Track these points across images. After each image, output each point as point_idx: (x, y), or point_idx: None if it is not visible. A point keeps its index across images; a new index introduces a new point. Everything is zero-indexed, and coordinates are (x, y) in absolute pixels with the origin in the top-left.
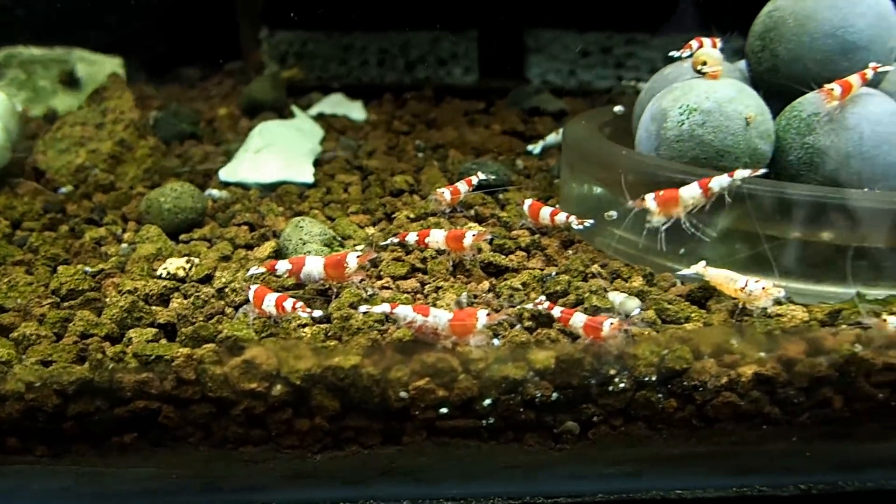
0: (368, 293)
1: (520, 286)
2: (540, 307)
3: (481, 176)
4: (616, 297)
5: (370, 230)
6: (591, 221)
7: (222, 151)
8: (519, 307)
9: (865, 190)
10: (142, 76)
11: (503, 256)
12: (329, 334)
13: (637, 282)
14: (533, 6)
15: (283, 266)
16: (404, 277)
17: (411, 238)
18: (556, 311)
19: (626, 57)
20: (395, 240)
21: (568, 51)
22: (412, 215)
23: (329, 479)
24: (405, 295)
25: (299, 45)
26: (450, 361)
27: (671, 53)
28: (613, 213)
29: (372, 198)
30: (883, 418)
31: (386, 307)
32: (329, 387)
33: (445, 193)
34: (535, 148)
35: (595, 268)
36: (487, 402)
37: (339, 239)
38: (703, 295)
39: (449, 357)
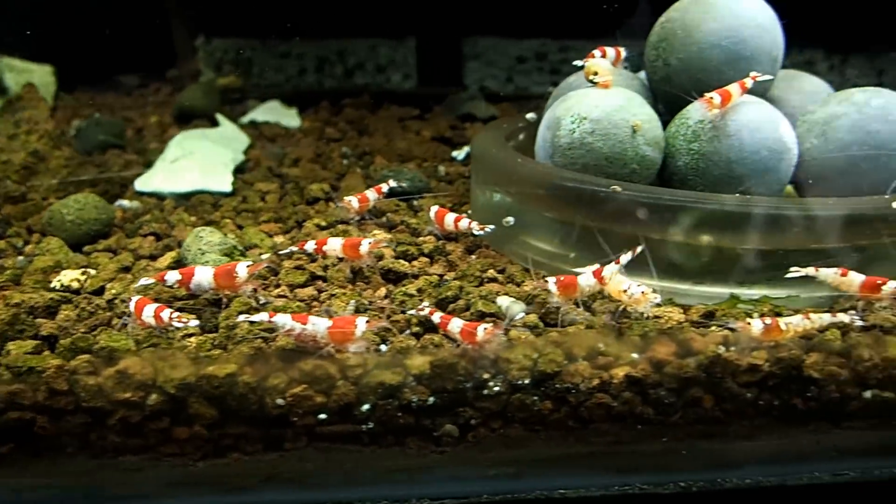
0: (261, 302)
1: (415, 292)
2: (421, 313)
3: (392, 184)
4: (503, 302)
5: (279, 239)
6: (492, 227)
7: (144, 161)
8: (408, 314)
9: (738, 194)
10: (77, 84)
11: (406, 263)
12: (215, 343)
13: (530, 286)
14: (470, 14)
15: (172, 277)
16: (303, 285)
17: (309, 246)
18: (436, 317)
19: (561, 63)
20: (294, 248)
21: (505, 57)
22: (323, 223)
23: (212, 485)
24: (300, 303)
25: (235, 53)
26: (327, 368)
27: (575, 62)
28: (510, 220)
29: (287, 206)
30: (752, 417)
31: (265, 316)
32: (205, 395)
33: (353, 201)
34: (460, 154)
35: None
36: (366, 407)
37: (241, 249)
38: (591, 298)
39: (327, 364)
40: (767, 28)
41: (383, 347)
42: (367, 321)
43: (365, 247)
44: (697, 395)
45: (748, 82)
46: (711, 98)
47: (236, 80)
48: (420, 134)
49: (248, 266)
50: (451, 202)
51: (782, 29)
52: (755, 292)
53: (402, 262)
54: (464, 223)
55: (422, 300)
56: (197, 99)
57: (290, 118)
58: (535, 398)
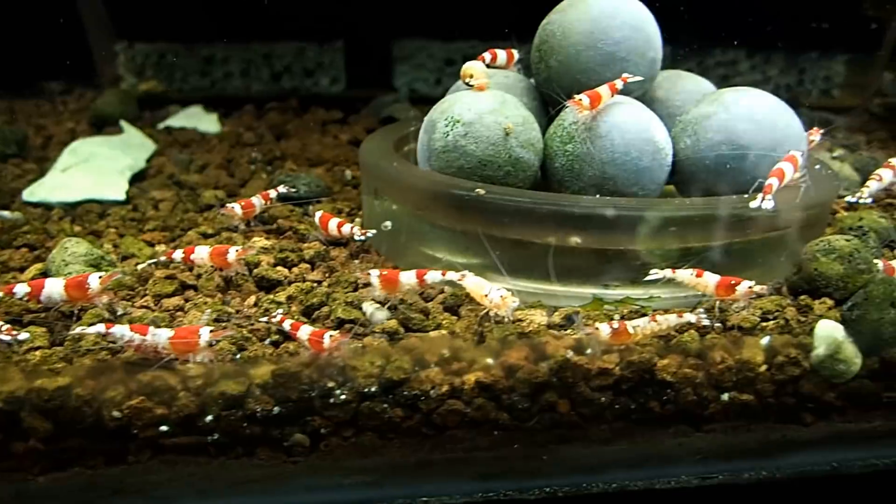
0: (118, 313)
1: (283, 300)
2: (273, 321)
3: (282, 189)
4: (367, 308)
5: (161, 248)
6: (373, 232)
7: (41, 170)
8: (260, 322)
9: (596, 196)
10: None
11: (286, 270)
12: (62, 357)
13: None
14: (398, 16)
15: (21, 289)
16: (170, 295)
17: (177, 255)
18: (286, 325)
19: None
20: (163, 258)
21: (433, 59)
22: (210, 231)
23: (55, 500)
24: (164, 313)
25: (157, 58)
26: (167, 379)
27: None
28: (388, 224)
29: (178, 214)
30: (610, 421)
31: (101, 327)
32: (37, 409)
33: (235, 208)
34: None
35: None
36: (209, 418)
37: (110, 260)
38: (456, 302)
39: (167, 375)
40: (642, 29)
41: (238, 356)
42: (212, 331)
43: (232, 255)
44: (552, 399)
45: (618, 84)
46: (580, 100)
47: (158, 86)
48: (337, 138)
49: (100, 277)
50: (350, 207)
51: (663, 28)
52: (620, 293)
53: (281, 269)
54: (346, 228)
55: (289, 307)
56: (113, 105)
57: (209, 123)
58: (385, 406)
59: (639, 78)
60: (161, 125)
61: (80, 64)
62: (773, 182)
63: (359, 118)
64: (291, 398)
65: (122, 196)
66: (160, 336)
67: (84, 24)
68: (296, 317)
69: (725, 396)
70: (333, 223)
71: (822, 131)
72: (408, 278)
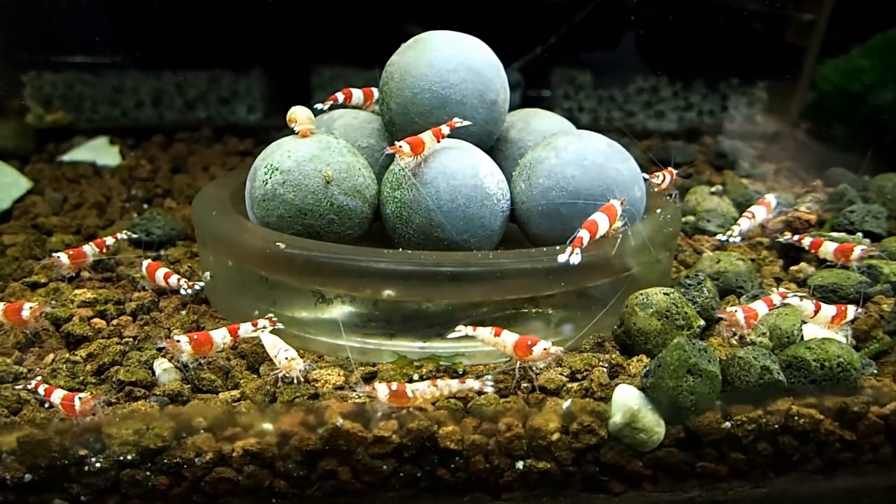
0: None
1: (80, 358)
2: (28, 387)
3: (121, 236)
4: (158, 367)
5: None
6: (201, 285)
7: None
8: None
9: (399, 250)
10: None
11: (104, 323)
12: None
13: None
14: (318, 43)
15: None
16: None
17: None
18: (41, 390)
19: None
20: None
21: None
22: (44, 280)
23: None
24: None
25: (65, 87)
26: None
27: (316, 106)
28: (208, 275)
29: (21, 260)
30: (398, 489)
31: None
32: None
33: (62, 257)
34: None
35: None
36: None
37: None
38: (258, 359)
39: None
40: (480, 72)
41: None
42: None
43: (26, 312)
44: (330, 466)
45: (444, 129)
46: (401, 146)
47: (65, 116)
48: (235, 170)
49: None
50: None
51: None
52: (437, 347)
53: (99, 321)
54: (173, 279)
55: (86, 367)
56: (9, 139)
57: (110, 156)
58: (148, 474)
59: (467, 122)
60: (65, 157)
61: None
62: (583, 235)
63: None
64: (42, 465)
65: None
66: None
67: None
68: (84, 377)
69: (520, 464)
70: (160, 273)
71: (675, 171)
72: (222, 336)
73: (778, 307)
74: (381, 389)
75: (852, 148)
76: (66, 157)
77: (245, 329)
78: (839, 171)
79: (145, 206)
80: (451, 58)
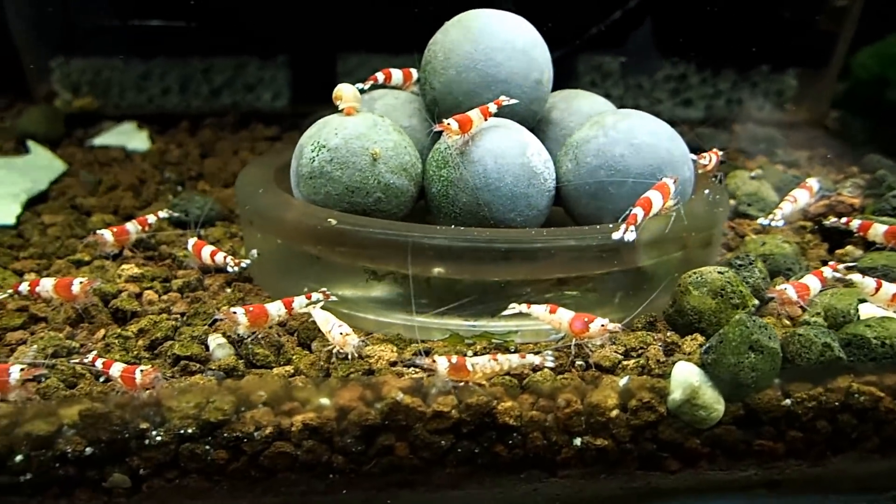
0: None
1: (132, 334)
2: (84, 361)
3: (162, 214)
4: (210, 344)
5: (30, 276)
6: (247, 262)
7: None
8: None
9: (451, 227)
10: None
11: (155, 299)
12: None
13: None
14: (343, 30)
15: None
16: (15, 328)
17: (23, 287)
18: (99, 363)
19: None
20: (10, 291)
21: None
22: (87, 258)
23: None
24: (5, 347)
25: (93, 74)
26: None
27: (357, 86)
28: (255, 253)
29: (63, 240)
30: (454, 465)
31: None
32: None
33: (105, 235)
34: None
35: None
36: (19, 458)
37: None
38: (310, 336)
39: None
40: (526, 51)
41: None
42: (23, 369)
43: (76, 287)
44: (388, 442)
45: (492, 107)
46: (449, 124)
47: (93, 102)
48: (274, 150)
49: None
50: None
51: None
52: (488, 325)
53: (151, 296)
54: (219, 257)
55: (137, 341)
56: (38, 123)
57: (139, 141)
58: (207, 448)
59: (514, 101)
60: (94, 142)
61: (18, 80)
62: (637, 212)
63: (295, 134)
64: (103, 439)
65: (10, 220)
66: None
67: (17, 39)
68: (138, 352)
69: (578, 441)
70: (206, 251)
71: (720, 153)
72: (276, 309)
73: (830, 280)
74: (442, 362)
75: (888, 135)
76: (97, 142)
77: (299, 302)
78: (876, 158)
79: (179, 188)
80: (496, 36)
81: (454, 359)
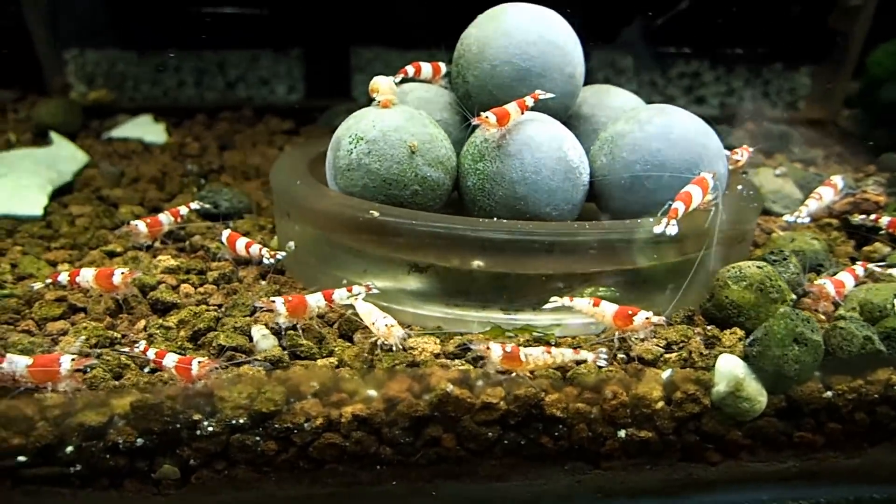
0: None
1: (174, 324)
2: (135, 350)
3: (194, 206)
4: (255, 335)
5: (64, 267)
6: (283, 254)
7: None
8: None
9: (494, 219)
10: None
11: (192, 290)
12: None
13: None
14: (357, 24)
15: None
16: (56, 319)
17: (63, 278)
18: (151, 354)
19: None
20: (49, 281)
21: (391, 69)
22: (119, 249)
23: None
24: (46, 337)
25: (108, 66)
26: (23, 409)
27: (391, 79)
28: (292, 244)
29: (92, 231)
30: (500, 457)
31: None
32: None
33: (139, 225)
34: None
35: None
36: (70, 449)
37: None
38: (352, 328)
39: (22, 404)
40: (560, 45)
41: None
42: (73, 359)
43: (118, 277)
44: (436, 433)
45: (528, 101)
46: (487, 117)
47: (108, 94)
48: (283, 149)
49: None
50: (273, 224)
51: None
52: (523, 318)
53: (187, 288)
54: (254, 249)
55: (178, 332)
56: (55, 115)
57: (155, 133)
58: (257, 438)
59: (551, 95)
60: (110, 134)
61: (34, 72)
62: (678, 206)
63: (311, 128)
64: (154, 430)
65: (38, 211)
66: (17, 364)
67: (32, 30)
68: (181, 343)
69: (622, 433)
70: (241, 243)
71: (751, 149)
72: (316, 301)
73: (861, 277)
74: (496, 349)
75: None
76: (114, 134)
77: (339, 294)
78: (894, 157)
79: (202, 180)
80: (530, 30)
81: (508, 347)
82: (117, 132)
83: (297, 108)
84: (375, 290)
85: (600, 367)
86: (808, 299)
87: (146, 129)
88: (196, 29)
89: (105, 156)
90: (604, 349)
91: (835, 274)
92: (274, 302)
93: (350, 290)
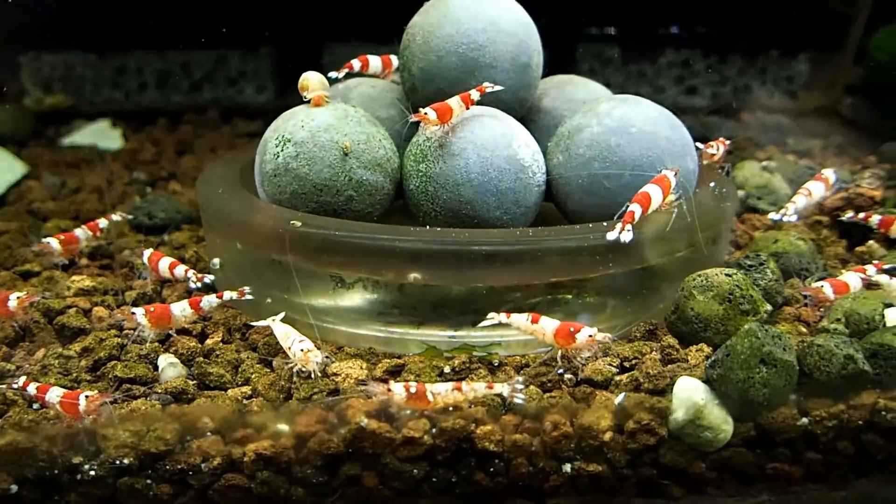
0: None
1: (75, 353)
2: (14, 386)
3: (115, 217)
4: (162, 362)
5: None
6: (211, 277)
7: None
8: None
9: (427, 227)
10: None
11: (107, 314)
12: None
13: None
14: (329, 20)
15: None
16: None
17: None
18: (32, 389)
19: None
20: None
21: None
22: (37, 269)
23: None
24: None
25: (66, 69)
26: None
27: (330, 74)
28: (217, 261)
29: (14, 248)
30: (430, 496)
31: None
32: None
33: (52, 243)
34: None
35: None
36: None
37: None
38: (271, 352)
39: None
40: (513, 32)
41: None
42: None
43: (13, 302)
44: (354, 472)
45: (474, 94)
46: (426, 113)
47: (65, 99)
48: (242, 147)
49: None
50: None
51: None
52: (465, 336)
53: (101, 311)
54: (179, 270)
55: (79, 362)
56: (4, 123)
57: (111, 140)
58: (148, 482)
59: (500, 87)
60: (65, 141)
61: None
62: (634, 209)
63: None
64: (28, 476)
65: None
66: None
67: None
68: (78, 374)
69: (567, 467)
70: (164, 263)
71: (727, 142)
72: (181, 310)
73: (873, 279)
74: (398, 390)
75: None
76: (67, 141)
77: (208, 301)
78: (895, 146)
79: (148, 189)
80: (479, 16)
81: (413, 387)
82: (72, 139)
83: (266, 108)
84: (249, 296)
85: (518, 403)
86: (804, 308)
87: (101, 135)
88: (159, 27)
89: (52, 165)
90: (520, 380)
91: (838, 277)
92: (134, 314)
93: (220, 296)
